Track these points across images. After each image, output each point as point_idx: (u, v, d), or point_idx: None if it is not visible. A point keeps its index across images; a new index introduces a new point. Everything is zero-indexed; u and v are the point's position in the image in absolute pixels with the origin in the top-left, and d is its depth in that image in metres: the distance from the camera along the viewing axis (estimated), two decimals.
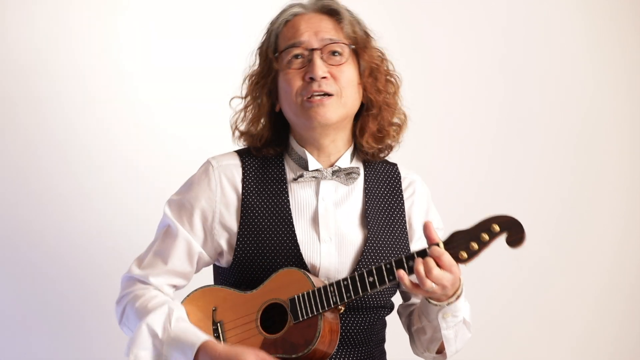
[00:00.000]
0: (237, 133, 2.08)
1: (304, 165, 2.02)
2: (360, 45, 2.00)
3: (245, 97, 2.06)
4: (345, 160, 2.04)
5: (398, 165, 2.13)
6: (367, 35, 2.04)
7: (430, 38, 3.18)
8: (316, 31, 1.98)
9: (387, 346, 2.13)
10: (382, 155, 2.09)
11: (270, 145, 2.04)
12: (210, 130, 2.69)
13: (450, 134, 3.18)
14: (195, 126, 2.88)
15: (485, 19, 3.22)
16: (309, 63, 1.96)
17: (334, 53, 1.97)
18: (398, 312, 2.16)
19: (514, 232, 1.80)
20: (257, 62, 2.06)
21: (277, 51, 2.00)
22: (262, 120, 2.05)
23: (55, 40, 2.79)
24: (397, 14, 3.11)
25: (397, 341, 2.19)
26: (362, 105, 2.04)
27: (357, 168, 2.02)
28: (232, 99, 2.08)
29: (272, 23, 2.05)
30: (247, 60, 2.08)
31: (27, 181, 2.75)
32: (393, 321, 2.15)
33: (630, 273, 3.28)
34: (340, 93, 1.96)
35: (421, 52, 3.13)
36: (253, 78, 2.05)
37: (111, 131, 2.83)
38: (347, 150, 2.04)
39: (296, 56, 1.97)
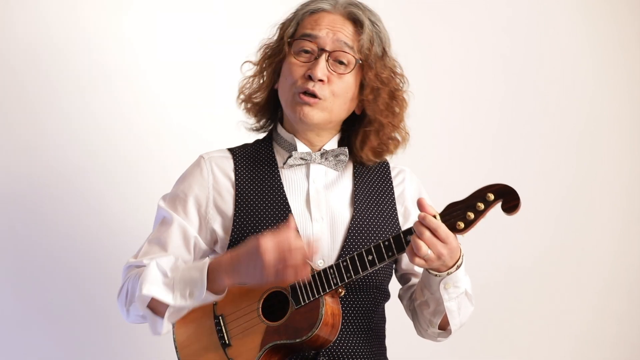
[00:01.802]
0: (242, 96, 2.14)
1: (293, 150, 2.08)
2: (369, 63, 2.04)
3: (256, 65, 2.13)
4: (332, 145, 2.10)
5: (387, 160, 2.17)
6: (383, 53, 2.08)
7: (431, 37, 3.19)
8: (334, 32, 2.03)
9: (389, 346, 2.13)
10: (377, 160, 2.14)
11: (264, 116, 2.14)
12: (213, 131, 2.70)
13: (451, 133, 3.19)
14: (198, 127, 2.88)
15: (486, 18, 3.22)
16: (314, 61, 2.02)
17: (340, 62, 2.03)
18: (399, 295, 2.18)
19: (509, 199, 1.81)
20: (276, 36, 2.12)
21: (292, 36, 2.06)
22: (264, 92, 2.12)
23: (58, 39, 2.79)
24: (398, 13, 3.11)
25: (399, 341, 2.19)
26: (359, 116, 2.09)
27: (345, 150, 2.07)
28: (243, 62, 2.15)
29: (300, 7, 2.11)
30: (267, 31, 2.14)
31: (27, 180, 2.75)
32: (395, 320, 2.15)
33: (630, 272, 3.28)
34: (327, 99, 2.01)
35: (421, 51, 3.13)
36: (267, 50, 2.12)
37: (113, 130, 2.83)
38: (334, 137, 2.10)
39: (306, 51, 2.03)
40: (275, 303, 1.92)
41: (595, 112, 3.28)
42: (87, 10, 2.82)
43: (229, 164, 2.08)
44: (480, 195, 1.80)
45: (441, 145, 3.16)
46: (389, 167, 2.15)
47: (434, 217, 1.80)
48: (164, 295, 1.88)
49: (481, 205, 1.79)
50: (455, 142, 3.19)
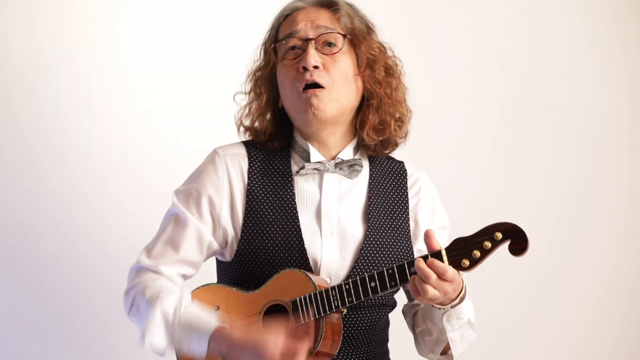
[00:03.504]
0: (242, 128, 2.09)
1: (307, 158, 2.02)
2: (357, 37, 2.01)
3: (249, 93, 2.08)
4: (348, 153, 2.04)
5: (405, 163, 2.13)
6: (367, 28, 2.05)
7: (433, 37, 3.18)
8: (312, 21, 1.99)
9: (390, 346, 2.13)
10: (386, 151, 2.09)
11: (275, 139, 2.05)
12: (211, 132, 2.68)
13: (452, 133, 3.18)
14: (196, 127, 2.88)
15: (487, 18, 3.22)
16: (303, 53, 1.97)
17: (329, 44, 1.98)
18: (403, 312, 2.16)
19: (517, 240, 1.77)
20: (262, 58, 2.08)
21: (275, 43, 2.02)
22: (266, 115, 2.06)
23: (56, 40, 2.78)
24: (398, 12, 3.11)
25: (400, 341, 2.19)
26: (363, 98, 2.04)
27: (360, 160, 2.02)
28: (235, 94, 2.09)
29: (275, 18, 2.07)
30: (252, 56, 2.10)
31: (26, 182, 2.74)
32: (396, 321, 2.15)
33: (631, 272, 3.28)
34: (332, 85, 1.96)
35: (422, 51, 3.13)
36: (256, 73, 2.07)
37: (112, 131, 2.83)
38: (350, 144, 2.05)
39: (292, 47, 2.00)
40: (277, 316, 1.90)
41: (595, 111, 3.28)
42: (86, 11, 2.82)
43: (244, 164, 2.02)
44: (488, 233, 1.78)
45: (441, 145, 3.15)
46: (405, 174, 2.10)
47: (440, 251, 1.78)
48: (164, 343, 1.89)
49: (488, 244, 1.77)
50: (456, 142, 3.18)
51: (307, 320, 1.86)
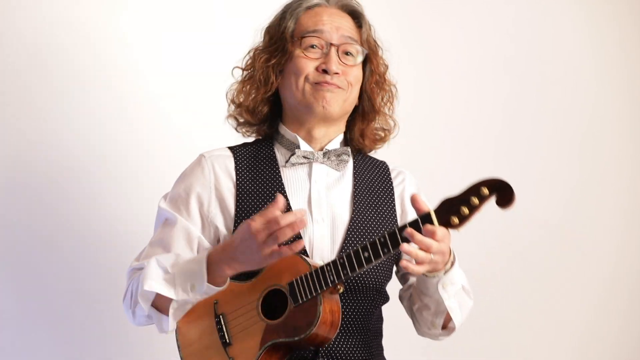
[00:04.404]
0: (232, 105, 2.13)
1: (296, 148, 2.07)
2: (372, 52, 2.09)
3: (248, 70, 2.11)
4: (335, 145, 2.10)
5: (386, 162, 2.19)
6: (376, 44, 2.13)
7: (435, 38, 3.20)
8: (337, 27, 2.05)
9: (386, 346, 2.13)
10: (377, 146, 2.17)
11: (265, 123, 2.11)
12: (212, 132, 2.69)
13: (455, 134, 3.19)
14: (197, 127, 2.88)
15: (489, 19, 3.23)
16: (324, 56, 2.03)
17: (348, 53, 2.05)
18: (400, 296, 2.17)
19: (503, 193, 1.76)
20: (265, 38, 2.11)
21: (294, 34, 2.06)
22: (263, 96, 2.09)
23: (56, 40, 2.79)
24: (400, 13, 3.12)
25: (396, 341, 2.19)
26: (355, 108, 2.11)
27: (347, 149, 2.08)
28: (234, 68, 2.14)
29: (290, 6, 2.10)
30: (253, 36, 2.12)
31: (28, 180, 2.75)
32: (392, 321, 2.16)
33: (631, 272, 3.28)
34: (347, 89, 2.04)
35: (425, 52, 3.14)
36: (262, 54, 2.09)
37: (112, 132, 2.83)
38: (336, 138, 2.10)
39: (313, 46, 2.04)
40: (275, 301, 1.92)
41: (597, 113, 3.28)
42: (88, 11, 2.83)
43: (230, 163, 2.06)
44: (474, 190, 1.78)
45: (444, 146, 3.16)
46: (388, 168, 2.16)
47: (429, 213, 1.79)
48: (166, 291, 1.88)
49: (476, 200, 1.77)
50: (458, 143, 3.19)
51: (305, 300, 1.87)
